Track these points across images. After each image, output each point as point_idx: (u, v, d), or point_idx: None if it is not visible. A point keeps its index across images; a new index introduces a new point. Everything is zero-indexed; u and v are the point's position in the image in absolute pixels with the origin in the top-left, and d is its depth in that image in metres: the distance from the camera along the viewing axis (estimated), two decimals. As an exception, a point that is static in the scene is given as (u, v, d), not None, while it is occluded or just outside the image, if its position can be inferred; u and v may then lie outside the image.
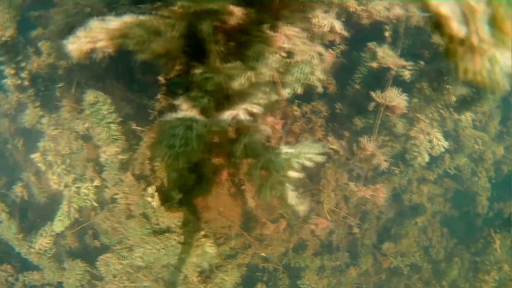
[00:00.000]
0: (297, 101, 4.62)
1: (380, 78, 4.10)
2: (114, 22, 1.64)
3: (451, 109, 4.34)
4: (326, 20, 3.02)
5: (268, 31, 2.00)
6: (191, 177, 4.22)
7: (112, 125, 3.80)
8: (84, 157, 4.61)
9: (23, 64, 4.19)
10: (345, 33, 3.37)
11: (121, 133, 3.92)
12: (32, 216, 5.13)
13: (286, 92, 3.74)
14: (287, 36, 2.36)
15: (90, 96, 3.54)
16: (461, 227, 6.00)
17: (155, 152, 1.88)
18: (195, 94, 1.96)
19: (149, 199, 4.09)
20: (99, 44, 1.59)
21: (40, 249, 4.57)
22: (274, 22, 1.98)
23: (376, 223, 5.43)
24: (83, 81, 4.59)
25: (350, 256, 5.39)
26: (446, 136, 4.59)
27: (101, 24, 1.61)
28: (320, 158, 2.16)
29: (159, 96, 3.97)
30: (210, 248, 3.73)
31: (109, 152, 4.01)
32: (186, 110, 1.90)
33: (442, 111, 4.36)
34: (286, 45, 2.48)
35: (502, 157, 5.73)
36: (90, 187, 4.48)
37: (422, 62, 3.96)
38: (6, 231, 4.36)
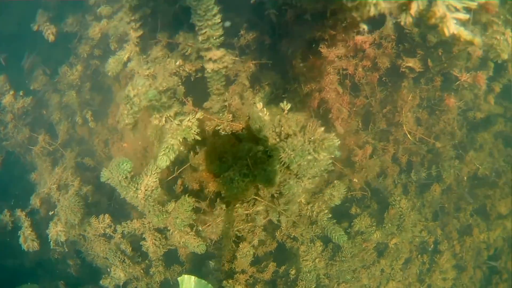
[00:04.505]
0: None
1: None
2: None
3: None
4: None
5: None
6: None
7: (215, 18, 4.13)
8: (182, 93, 4.98)
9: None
10: None
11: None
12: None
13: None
14: None
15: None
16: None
17: None
18: None
19: (260, 114, 4.50)
20: None
21: (146, 190, 4.82)
22: None
23: (450, 139, 6.03)
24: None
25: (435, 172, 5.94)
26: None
27: None
28: None
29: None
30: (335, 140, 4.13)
31: (215, 56, 4.36)
32: None
33: (513, 11, 5.09)
34: None
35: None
36: (192, 120, 4.82)
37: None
38: (116, 171, 4.57)
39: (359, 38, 4.88)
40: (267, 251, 5.46)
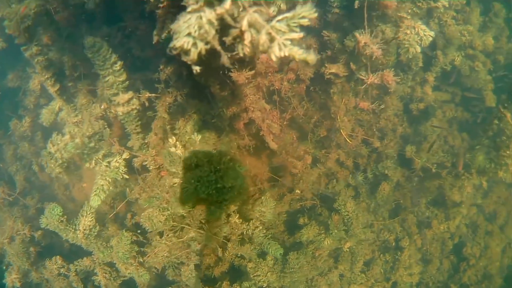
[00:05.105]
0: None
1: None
2: None
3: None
4: None
5: None
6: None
7: (115, 66, 4.41)
8: (108, 135, 5.28)
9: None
10: None
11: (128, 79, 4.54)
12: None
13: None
14: None
15: (88, 40, 4.14)
16: (477, 129, 6.58)
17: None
18: None
19: (172, 149, 4.74)
20: None
21: (84, 230, 5.14)
22: None
23: (393, 135, 6.07)
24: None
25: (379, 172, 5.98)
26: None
27: None
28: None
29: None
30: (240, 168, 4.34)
31: (123, 100, 4.61)
32: None
33: (419, 3, 5.12)
34: None
35: (495, 48, 6.42)
36: (120, 160, 5.13)
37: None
38: (50, 217, 4.91)
39: (263, 56, 5.03)
40: (223, 271, 5.69)
